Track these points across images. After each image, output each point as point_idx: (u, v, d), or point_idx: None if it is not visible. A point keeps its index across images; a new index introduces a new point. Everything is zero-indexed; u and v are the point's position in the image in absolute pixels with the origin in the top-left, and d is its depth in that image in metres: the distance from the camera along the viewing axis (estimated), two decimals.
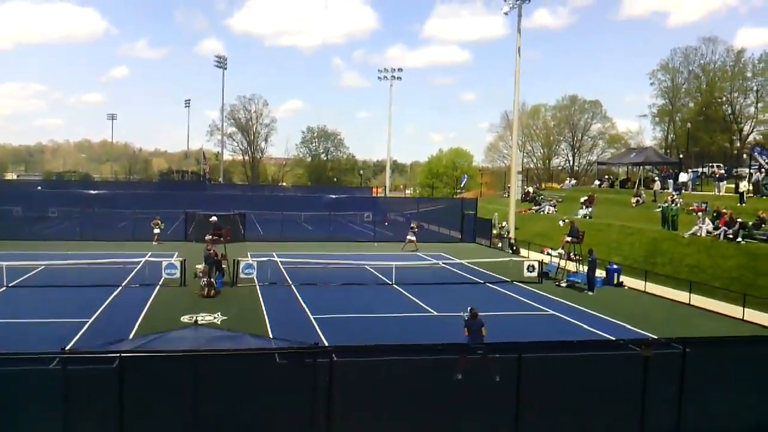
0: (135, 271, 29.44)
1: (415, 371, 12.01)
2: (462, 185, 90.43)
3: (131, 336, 18.22)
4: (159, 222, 42.32)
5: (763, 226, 30.96)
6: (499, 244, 44.32)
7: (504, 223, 46.79)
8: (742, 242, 30.21)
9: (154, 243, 40.66)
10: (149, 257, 30.38)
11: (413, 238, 42.54)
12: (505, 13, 46.43)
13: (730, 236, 30.97)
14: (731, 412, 12.95)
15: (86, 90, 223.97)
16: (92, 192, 54.68)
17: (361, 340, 18.56)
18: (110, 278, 27.76)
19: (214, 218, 35.70)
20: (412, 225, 45.14)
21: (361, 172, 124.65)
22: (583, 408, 12.30)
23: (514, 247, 42.05)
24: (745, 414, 13.02)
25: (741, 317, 23.61)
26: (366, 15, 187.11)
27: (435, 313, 23.64)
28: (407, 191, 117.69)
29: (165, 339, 12.40)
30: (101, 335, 17.69)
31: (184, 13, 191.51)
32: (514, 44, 45.53)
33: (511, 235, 44.59)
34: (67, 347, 14.31)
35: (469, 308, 16.33)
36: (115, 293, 25.54)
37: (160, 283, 27.27)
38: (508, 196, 50.84)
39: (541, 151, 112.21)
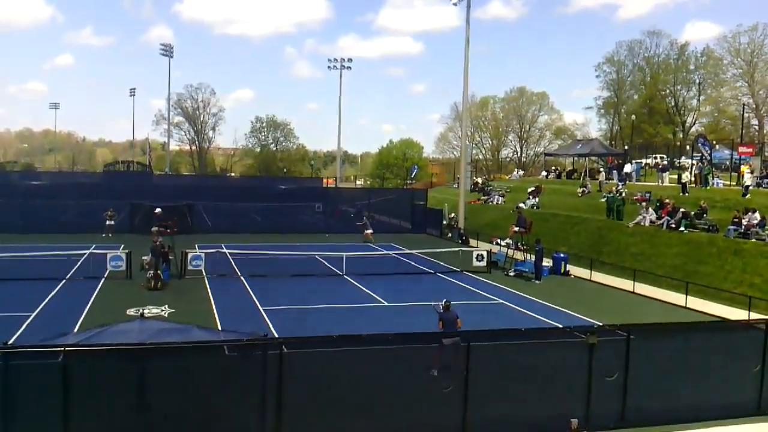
0: (79, 263, 28.81)
1: (366, 361, 12.08)
2: (412, 176, 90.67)
3: (76, 329, 17.84)
4: (111, 213, 41.51)
5: (704, 215, 31.77)
6: (449, 234, 44.62)
7: (453, 214, 47.10)
8: (685, 231, 30.95)
9: (108, 235, 39.75)
10: (94, 249, 29.78)
11: (370, 230, 42.57)
12: (455, 4, 46.60)
13: (673, 225, 31.72)
14: (673, 396, 13.35)
15: (28, 78, 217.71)
16: (35, 183, 53.23)
17: (311, 331, 18.54)
18: (54, 271, 27.10)
19: (158, 210, 35.22)
20: (364, 217, 44.66)
21: (312, 162, 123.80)
22: (531, 394, 12.53)
23: (464, 237, 42.34)
24: (686, 397, 13.42)
25: (683, 305, 24.24)
26: (318, 3, 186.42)
27: (386, 304, 23.71)
28: (358, 182, 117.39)
29: (110, 332, 12.14)
30: (45, 329, 17.27)
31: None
32: (464, 36, 45.73)
33: (461, 225, 44.92)
34: (10, 341, 13.95)
35: (443, 300, 15.77)
36: (58, 286, 24.98)
37: (105, 275, 26.74)
38: (458, 186, 51.13)
39: (490, 142, 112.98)
